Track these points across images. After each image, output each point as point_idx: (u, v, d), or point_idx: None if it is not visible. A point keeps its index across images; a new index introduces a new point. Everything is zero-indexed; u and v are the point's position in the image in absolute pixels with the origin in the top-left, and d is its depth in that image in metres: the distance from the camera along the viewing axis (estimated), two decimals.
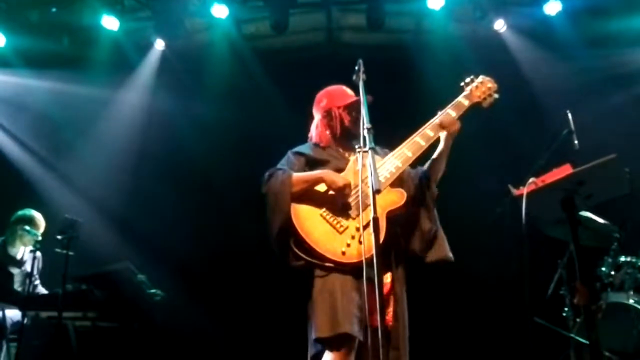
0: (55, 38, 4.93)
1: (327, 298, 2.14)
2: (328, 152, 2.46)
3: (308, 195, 2.28)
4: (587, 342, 2.44)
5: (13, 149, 5.25)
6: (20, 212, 4.09)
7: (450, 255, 2.32)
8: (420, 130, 2.41)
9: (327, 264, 2.16)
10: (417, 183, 2.40)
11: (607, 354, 2.91)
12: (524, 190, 2.23)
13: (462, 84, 2.53)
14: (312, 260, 2.17)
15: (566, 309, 3.24)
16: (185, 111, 5.09)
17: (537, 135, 4.02)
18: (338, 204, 2.26)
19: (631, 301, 3.01)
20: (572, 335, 3.03)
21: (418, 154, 2.37)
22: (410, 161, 2.35)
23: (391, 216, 2.24)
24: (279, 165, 2.40)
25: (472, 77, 2.54)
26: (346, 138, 2.46)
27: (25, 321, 3.51)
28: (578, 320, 3.13)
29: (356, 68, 2.24)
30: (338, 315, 2.09)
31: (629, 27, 4.61)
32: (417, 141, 2.38)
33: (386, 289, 2.18)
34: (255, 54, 5.22)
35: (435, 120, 2.42)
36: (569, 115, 3.01)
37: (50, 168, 5.20)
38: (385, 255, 2.16)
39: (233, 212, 4.84)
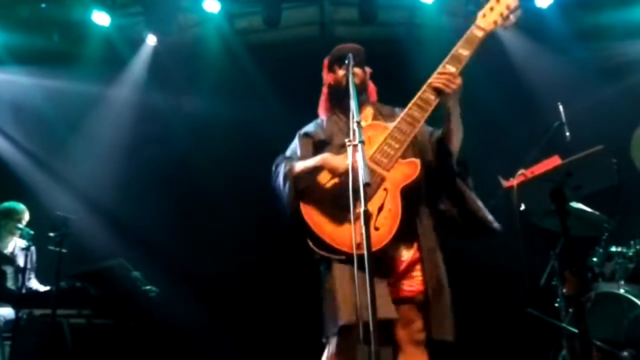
0: (46, 34, 4.89)
1: (345, 287, 2.07)
2: (331, 124, 2.33)
3: (316, 186, 2.15)
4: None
5: (3, 146, 5.22)
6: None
7: (495, 225, 2.17)
8: (426, 83, 2.14)
9: (342, 257, 2.08)
10: (436, 148, 2.22)
11: (598, 343, 2.94)
12: (514, 182, 2.24)
13: (476, 9, 2.23)
14: (327, 254, 2.10)
15: (558, 299, 3.26)
16: (178, 107, 5.09)
17: (529, 127, 4.04)
18: (344, 190, 2.09)
19: (622, 291, 3.03)
20: (564, 325, 3.05)
21: (429, 110, 2.12)
22: (421, 122, 2.13)
23: (408, 190, 2.09)
24: (287, 152, 2.35)
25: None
26: (338, 97, 2.30)
27: (19, 319, 3.50)
28: (570, 310, 3.16)
29: (346, 62, 2.20)
30: (356, 305, 2.01)
31: (620, 20, 4.64)
32: (426, 97, 2.12)
33: (406, 262, 2.12)
34: (247, 49, 5.21)
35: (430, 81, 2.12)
36: (560, 107, 3.03)
37: (41, 165, 5.17)
38: (404, 231, 2.06)
39: (226, 207, 4.85)
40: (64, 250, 3.48)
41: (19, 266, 3.94)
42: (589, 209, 3.19)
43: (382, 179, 2.10)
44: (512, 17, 2.19)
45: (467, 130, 2.25)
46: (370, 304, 1.71)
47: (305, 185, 2.18)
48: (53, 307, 3.39)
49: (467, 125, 2.24)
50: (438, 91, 2.12)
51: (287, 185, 2.17)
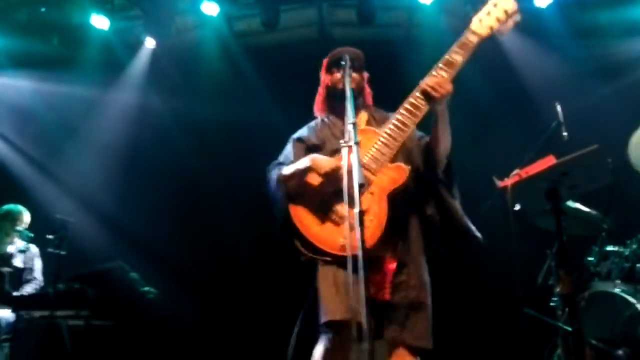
0: (45, 38, 4.92)
1: (331, 286, 2.12)
2: (324, 129, 2.36)
3: (306, 189, 2.19)
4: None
5: (3, 149, 5.24)
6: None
7: (477, 234, 2.18)
8: (416, 88, 2.12)
9: (327, 258, 2.13)
10: (424, 153, 2.24)
11: (594, 342, 2.95)
12: (508, 182, 2.26)
13: (471, 13, 2.16)
14: (314, 255, 2.14)
15: (555, 298, 3.27)
16: (176, 110, 5.09)
17: (526, 126, 4.05)
18: (333, 192, 2.15)
19: (617, 290, 3.04)
20: (559, 324, 3.06)
21: (419, 116, 2.11)
22: (410, 128, 2.13)
23: (395, 195, 2.11)
24: (280, 157, 2.38)
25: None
26: (335, 99, 2.33)
27: (18, 321, 3.51)
28: (566, 309, 3.16)
29: (342, 63, 2.20)
30: (343, 303, 2.07)
31: (618, 19, 4.64)
32: (415, 102, 2.11)
33: (391, 268, 2.13)
34: (246, 51, 5.21)
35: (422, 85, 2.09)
36: (558, 107, 3.04)
37: (40, 168, 5.19)
38: (391, 235, 2.10)
39: (224, 210, 4.86)
40: (62, 253, 3.50)
41: (17, 268, 3.95)
42: (585, 208, 3.20)
43: (369, 183, 2.10)
44: (510, 23, 2.12)
45: (465, 129, 2.27)
46: (366, 305, 1.71)
47: (297, 189, 2.21)
48: (51, 308, 3.40)
49: (464, 125, 2.26)
50: (428, 97, 2.11)
51: (278, 190, 2.22)
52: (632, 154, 3.12)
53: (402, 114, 2.14)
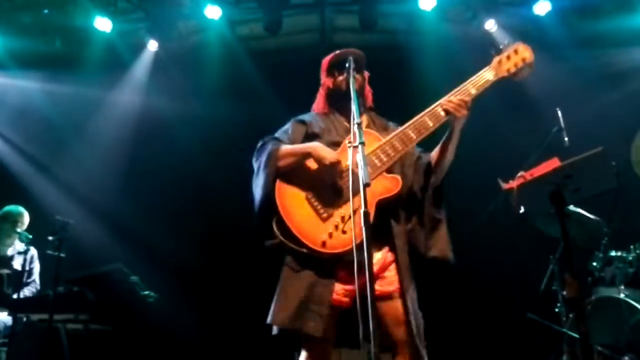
0: (48, 39, 4.94)
1: (291, 289, 2.09)
2: (327, 122, 2.31)
3: (297, 173, 2.14)
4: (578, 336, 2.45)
5: (4, 149, 5.24)
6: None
7: (450, 255, 2.18)
8: (430, 108, 2.19)
9: (302, 250, 2.06)
10: (422, 169, 2.25)
11: (599, 348, 2.92)
12: (513, 184, 2.25)
13: (493, 52, 2.25)
14: (288, 242, 2.07)
15: (559, 304, 3.25)
16: (179, 112, 5.09)
17: (528, 132, 4.05)
18: (326, 186, 2.12)
19: (622, 295, 3.02)
20: (565, 330, 3.04)
21: (424, 135, 2.18)
22: (413, 143, 2.19)
23: (383, 203, 2.11)
24: (277, 133, 2.32)
25: (504, 44, 2.25)
26: (337, 100, 2.30)
27: (16, 324, 3.46)
28: (570, 315, 3.15)
29: (346, 65, 2.20)
30: (295, 309, 2.05)
31: (618, 27, 4.67)
32: (425, 121, 2.17)
33: (378, 265, 2.11)
34: (249, 55, 5.24)
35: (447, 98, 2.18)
36: (559, 112, 3.05)
37: (42, 169, 5.18)
38: (374, 237, 2.02)
39: (227, 212, 4.83)
40: (62, 255, 3.45)
41: (16, 270, 3.91)
42: (587, 214, 3.19)
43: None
44: (525, 71, 2.23)
45: (468, 137, 2.27)
46: (371, 306, 1.67)
47: (287, 169, 2.15)
48: (50, 312, 3.34)
49: (467, 133, 2.26)
50: (446, 113, 2.16)
51: (269, 164, 2.14)
52: (634, 157, 3.12)
53: (410, 128, 2.19)
